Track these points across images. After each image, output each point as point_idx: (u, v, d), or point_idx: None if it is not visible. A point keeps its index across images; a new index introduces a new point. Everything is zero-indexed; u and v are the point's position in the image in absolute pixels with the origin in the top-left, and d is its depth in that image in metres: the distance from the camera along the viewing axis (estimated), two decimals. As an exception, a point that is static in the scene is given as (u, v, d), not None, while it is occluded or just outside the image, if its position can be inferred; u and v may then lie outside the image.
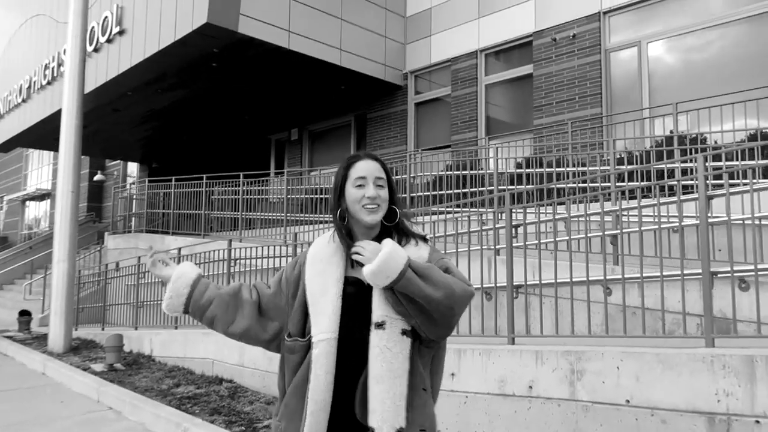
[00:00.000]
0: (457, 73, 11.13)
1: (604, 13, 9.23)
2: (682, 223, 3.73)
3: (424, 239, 1.81)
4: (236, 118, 14.44)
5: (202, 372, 6.93)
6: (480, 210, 6.53)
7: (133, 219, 14.24)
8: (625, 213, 4.77)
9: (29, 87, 15.06)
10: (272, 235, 10.26)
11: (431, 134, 11.65)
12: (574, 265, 4.35)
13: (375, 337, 1.62)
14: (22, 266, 18.46)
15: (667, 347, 3.41)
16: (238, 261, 7.73)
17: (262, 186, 11.48)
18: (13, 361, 8.99)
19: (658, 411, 3.25)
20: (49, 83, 13.93)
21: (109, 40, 11.46)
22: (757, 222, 4.45)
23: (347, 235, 1.77)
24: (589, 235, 4.32)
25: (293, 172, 12.41)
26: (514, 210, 4.74)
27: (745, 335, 3.61)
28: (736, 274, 3.57)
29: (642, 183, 4.28)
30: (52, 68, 13.73)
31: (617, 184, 6.46)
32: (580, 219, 5.17)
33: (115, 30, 11.21)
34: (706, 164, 3.48)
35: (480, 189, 8.24)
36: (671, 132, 7.61)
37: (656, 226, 4.41)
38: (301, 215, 10.18)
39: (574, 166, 7.68)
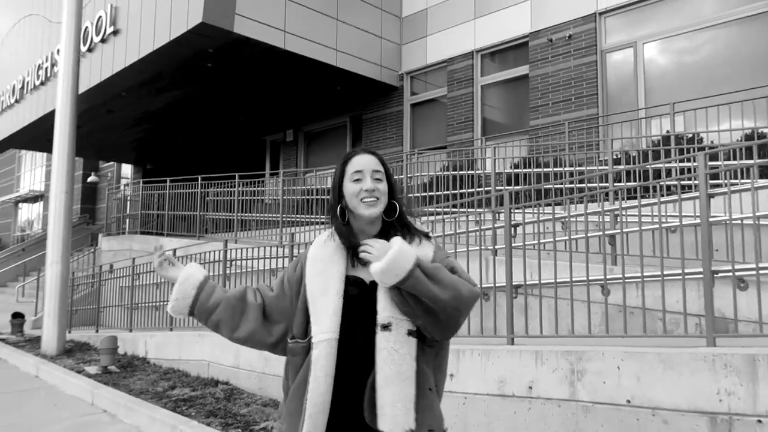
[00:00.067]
0: (453, 73, 11.12)
1: (600, 13, 9.25)
2: (682, 223, 3.71)
3: (426, 236, 1.78)
4: (231, 119, 14.38)
5: (198, 374, 6.86)
6: (477, 210, 6.50)
7: (128, 220, 14.14)
8: (623, 213, 4.74)
9: (22, 87, 14.95)
10: (268, 236, 10.20)
11: (427, 135, 11.64)
12: (572, 266, 4.33)
13: (382, 339, 1.59)
14: (14, 268, 18.32)
15: (667, 347, 3.39)
16: (233, 262, 7.67)
17: (258, 187, 11.42)
18: (6, 364, 8.89)
19: (659, 411, 3.23)
20: (42, 84, 13.83)
21: (103, 40, 11.38)
22: (756, 221, 4.45)
23: (348, 233, 1.74)
24: (588, 235, 4.30)
25: (289, 172, 12.36)
26: (512, 210, 4.72)
27: (746, 334, 3.60)
28: (735, 274, 3.55)
29: (642, 183, 4.26)
30: (46, 68, 13.64)
31: (616, 184, 6.45)
32: (579, 219, 5.15)
33: (110, 30, 11.14)
34: (706, 163, 3.46)
35: (477, 189, 8.22)
36: (668, 132, 7.63)
37: (655, 226, 4.41)
38: (297, 216, 10.14)
39: (571, 166, 7.67)
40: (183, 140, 16.62)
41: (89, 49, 11.75)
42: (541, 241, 4.82)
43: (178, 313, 1.81)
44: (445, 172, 8.90)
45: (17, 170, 28.27)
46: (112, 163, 21.50)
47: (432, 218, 6.13)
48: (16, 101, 15.28)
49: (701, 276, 3.63)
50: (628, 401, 3.35)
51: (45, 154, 23.28)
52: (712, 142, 7.36)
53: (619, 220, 4.05)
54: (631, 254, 4.43)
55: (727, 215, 4.30)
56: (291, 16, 9.98)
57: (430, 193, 8.76)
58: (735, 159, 6.03)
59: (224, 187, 11.54)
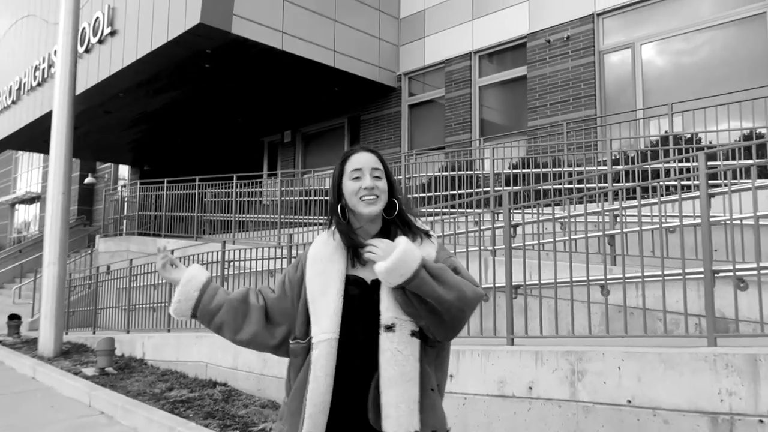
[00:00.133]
0: (451, 74, 11.11)
1: (598, 14, 9.26)
2: (683, 223, 3.71)
3: (427, 234, 1.76)
4: (229, 120, 14.35)
5: (196, 375, 6.84)
6: (476, 211, 6.49)
7: (125, 222, 14.10)
8: (623, 213, 4.74)
9: (19, 89, 14.91)
10: (266, 237, 10.18)
11: (425, 136, 11.63)
12: (572, 266, 4.32)
13: (385, 340, 1.57)
14: (11, 270, 18.25)
15: (668, 347, 3.38)
16: (231, 263, 7.64)
17: (256, 188, 11.40)
18: (3, 366, 8.85)
19: (660, 411, 3.22)
20: (39, 84, 13.79)
21: (100, 41, 11.35)
22: (751, 222, 4.45)
23: (349, 231, 1.72)
24: (588, 235, 4.30)
25: (287, 173, 12.34)
26: (511, 210, 4.71)
27: (748, 334, 3.59)
28: (736, 274, 3.55)
29: (641, 183, 4.25)
30: (43, 69, 13.59)
31: (615, 184, 6.45)
32: (579, 220, 5.14)
33: (107, 31, 11.11)
34: (707, 163, 3.46)
35: (476, 190, 8.22)
36: (666, 132, 7.63)
37: (655, 226, 4.40)
38: (295, 217, 10.12)
39: (570, 166, 7.67)
40: (180, 141, 16.58)
41: (86, 50, 11.72)
42: (540, 241, 4.80)
43: (181, 315, 1.79)
44: (444, 173, 8.89)
45: (14, 171, 28.20)
46: (109, 164, 21.46)
47: (431, 219, 6.12)
48: (13, 102, 15.23)
49: (702, 276, 3.63)
50: (629, 401, 3.34)
51: (42, 155, 23.23)
52: (710, 143, 7.37)
53: (618, 220, 4.03)
54: (630, 254, 4.42)
55: (726, 215, 4.31)
56: (289, 17, 9.97)
57: (429, 194, 8.75)
58: (733, 159, 6.04)
59: (222, 188, 11.51)
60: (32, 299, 13.23)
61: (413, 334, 1.59)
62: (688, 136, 7.31)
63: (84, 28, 11.63)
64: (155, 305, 8.82)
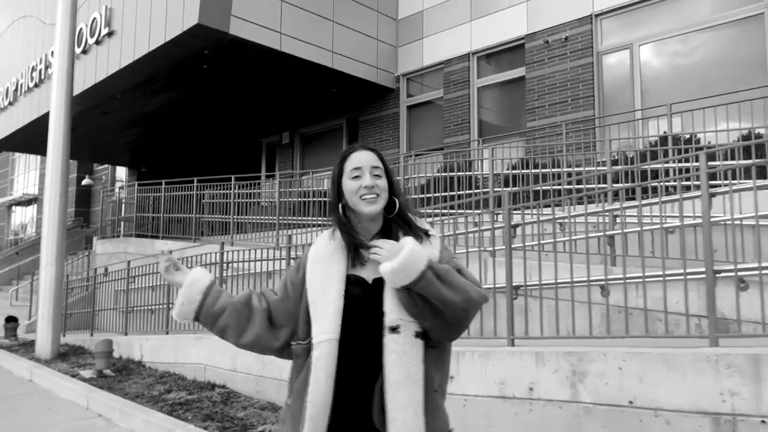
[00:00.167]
0: (449, 75, 11.11)
1: (596, 15, 9.26)
2: (684, 223, 3.70)
3: (426, 234, 1.74)
4: (227, 121, 14.33)
5: (194, 377, 6.80)
6: (475, 212, 6.48)
7: (122, 223, 14.06)
8: (623, 214, 4.73)
9: (16, 90, 14.86)
10: (264, 238, 10.15)
11: (423, 137, 11.62)
12: (572, 266, 4.31)
13: (390, 341, 1.56)
14: (8, 272, 18.20)
15: (669, 347, 3.37)
16: (230, 265, 7.61)
17: (254, 189, 11.37)
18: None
19: (662, 412, 3.21)
20: (36, 86, 13.75)
21: (97, 42, 11.32)
22: (750, 222, 4.44)
23: (351, 235, 1.70)
24: (588, 235, 4.28)
25: (285, 174, 12.32)
26: (511, 211, 4.70)
27: (750, 335, 3.58)
28: (737, 274, 3.54)
29: (641, 183, 4.24)
30: (40, 70, 13.55)
31: (616, 184, 6.45)
32: (578, 221, 5.13)
33: (104, 31, 11.08)
34: (707, 162, 3.45)
35: (475, 191, 8.20)
36: (665, 133, 7.63)
37: (656, 226, 4.39)
38: (293, 218, 10.09)
39: (569, 166, 7.66)
40: (178, 143, 16.55)
41: (84, 51, 11.68)
42: (541, 242, 4.79)
43: (184, 318, 1.77)
44: (443, 173, 8.88)
45: (11, 173, 28.12)
46: (106, 165, 21.41)
47: (430, 220, 6.10)
48: (10, 104, 15.18)
49: (701, 277, 3.63)
50: (631, 402, 3.33)
51: (39, 157, 23.17)
52: (709, 143, 7.37)
53: (618, 220, 4.03)
54: (630, 255, 4.41)
55: (725, 215, 4.30)
56: (287, 17, 9.96)
57: (428, 195, 8.73)
58: (731, 159, 6.03)
59: (220, 189, 11.48)
60: (29, 301, 13.17)
61: (417, 335, 1.58)
62: (687, 136, 7.31)
63: (81, 29, 11.59)
64: (153, 307, 8.78)
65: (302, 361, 1.66)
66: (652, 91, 8.72)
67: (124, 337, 8.88)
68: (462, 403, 4.06)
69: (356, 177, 1.69)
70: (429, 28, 11.48)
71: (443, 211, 6.97)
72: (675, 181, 5.61)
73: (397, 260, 1.52)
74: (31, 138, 15.05)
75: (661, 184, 4.00)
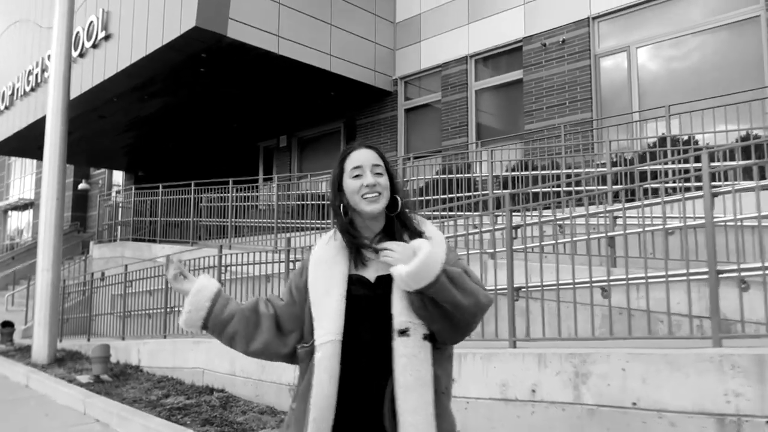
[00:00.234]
0: (447, 78, 11.11)
1: (593, 18, 9.28)
2: (686, 224, 3.69)
3: (420, 235, 1.71)
4: (224, 125, 14.30)
5: (192, 382, 6.76)
6: (475, 214, 6.46)
7: (119, 227, 13.99)
8: (624, 215, 4.71)
9: (12, 94, 14.81)
10: (262, 242, 10.11)
11: (421, 140, 11.61)
12: (574, 268, 4.29)
13: (400, 345, 1.54)
14: (4, 277, 18.09)
15: (672, 348, 3.35)
16: (228, 268, 7.57)
17: (252, 192, 11.33)
18: (-5, 374, 8.74)
19: (666, 413, 3.18)
20: (32, 90, 13.70)
21: (94, 45, 11.29)
22: (750, 223, 4.43)
23: (352, 232, 1.68)
24: (590, 236, 4.27)
25: (283, 177, 12.29)
26: (512, 212, 4.68)
27: (753, 335, 3.56)
28: (741, 274, 3.53)
29: (643, 183, 4.23)
30: (36, 74, 13.51)
31: (615, 186, 6.44)
32: (578, 223, 5.12)
33: (101, 35, 11.05)
34: (710, 163, 3.44)
35: (474, 193, 8.19)
36: (663, 134, 7.64)
37: (657, 227, 4.38)
38: (291, 221, 10.06)
39: (568, 168, 7.66)
40: (175, 147, 16.51)
41: (80, 55, 11.65)
42: (542, 243, 4.77)
43: (191, 326, 1.73)
44: (442, 176, 8.87)
45: (7, 178, 28.00)
46: (103, 170, 21.34)
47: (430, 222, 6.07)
48: (6, 108, 15.13)
49: (704, 277, 3.61)
50: (634, 404, 3.31)
51: (35, 161, 23.08)
52: (707, 144, 7.38)
53: (619, 222, 4.01)
54: (632, 256, 4.40)
55: (725, 216, 4.30)
56: (285, 20, 9.95)
57: (427, 198, 8.72)
58: (729, 160, 6.03)
59: (218, 193, 11.44)
60: (25, 306, 13.09)
61: (425, 337, 1.56)
62: (685, 138, 7.32)
63: (78, 32, 11.57)
64: (151, 311, 8.73)
65: (306, 364, 1.64)
66: (650, 93, 8.74)
67: (121, 341, 8.83)
68: (464, 405, 4.03)
69: (357, 176, 1.66)
70: (426, 31, 11.49)
71: (442, 213, 6.95)
72: (675, 182, 5.62)
73: (413, 264, 1.49)
74: (27, 142, 14.99)
75: (663, 185, 3.98)
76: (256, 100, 12.43)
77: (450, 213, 7.25)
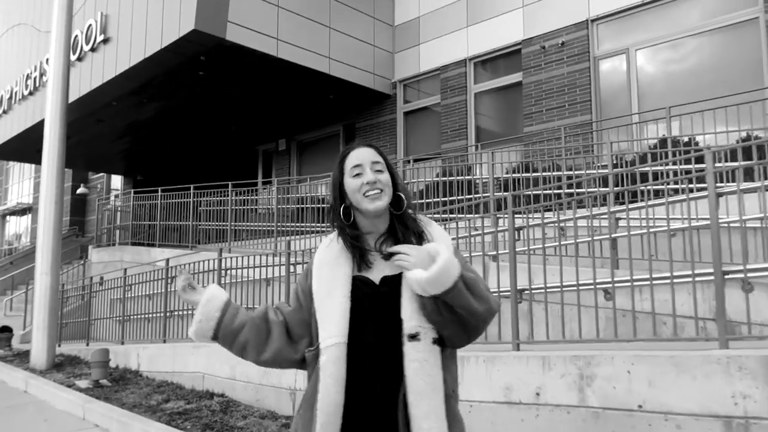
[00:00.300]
0: (446, 81, 11.11)
1: (592, 21, 9.29)
2: (691, 225, 3.66)
3: (421, 235, 1.68)
4: (223, 128, 14.27)
5: (192, 386, 6.71)
6: (476, 216, 6.44)
7: (118, 232, 13.95)
8: (624, 216, 4.70)
9: (10, 98, 14.78)
10: (261, 245, 10.08)
11: (421, 143, 11.60)
12: (577, 269, 4.27)
13: (411, 350, 1.51)
14: (2, 282, 17.99)
15: (677, 350, 3.33)
16: (228, 272, 7.54)
17: (251, 196, 11.30)
18: (-7, 379, 8.68)
19: (672, 416, 3.15)
20: (30, 93, 13.67)
21: (93, 49, 11.27)
22: (753, 224, 4.42)
23: (354, 231, 1.66)
24: (594, 238, 4.24)
25: (283, 181, 12.27)
26: (514, 213, 4.66)
27: (760, 336, 3.54)
28: (742, 275, 3.50)
29: (647, 184, 4.21)
30: (34, 78, 13.48)
31: (617, 187, 6.42)
32: (581, 225, 5.09)
33: (100, 38, 11.03)
34: (714, 163, 3.42)
35: (475, 196, 8.17)
36: (664, 135, 7.64)
37: (661, 229, 4.36)
38: (291, 225, 10.03)
39: (569, 170, 7.65)
40: (174, 151, 16.47)
41: (79, 58, 11.63)
42: (545, 245, 4.74)
43: (201, 337, 1.71)
44: (442, 178, 8.85)
45: (5, 182, 27.93)
46: (101, 174, 21.29)
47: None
48: (4, 112, 15.09)
49: (708, 279, 3.59)
50: (640, 406, 3.28)
51: (33, 166, 23.02)
52: (708, 146, 7.38)
53: (622, 223, 3.99)
54: (636, 258, 4.37)
55: (728, 217, 4.28)
56: (283, 23, 9.94)
57: (427, 200, 8.70)
58: (731, 161, 6.02)
59: (217, 197, 11.41)
60: (24, 311, 13.03)
61: (434, 341, 1.54)
62: (686, 139, 7.32)
63: (77, 36, 11.56)
64: (150, 315, 8.68)
65: (312, 368, 1.62)
66: (649, 95, 8.74)
67: (120, 346, 8.77)
68: (467, 409, 3.99)
69: (357, 175, 1.64)
70: (425, 34, 11.49)
71: (443, 216, 6.93)
72: (677, 183, 5.60)
73: (434, 270, 1.46)
74: (25, 146, 14.95)
75: (667, 186, 3.97)
76: (255, 104, 12.41)
77: (451, 215, 7.22)
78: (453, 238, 5.42)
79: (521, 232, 5.10)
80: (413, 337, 1.51)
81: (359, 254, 1.64)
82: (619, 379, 3.38)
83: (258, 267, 7.04)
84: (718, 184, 5.37)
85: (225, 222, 11.03)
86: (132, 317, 9.20)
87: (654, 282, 3.88)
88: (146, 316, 8.81)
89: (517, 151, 9.14)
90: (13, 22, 15.42)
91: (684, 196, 3.78)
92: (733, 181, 5.43)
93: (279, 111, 12.93)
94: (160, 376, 7.39)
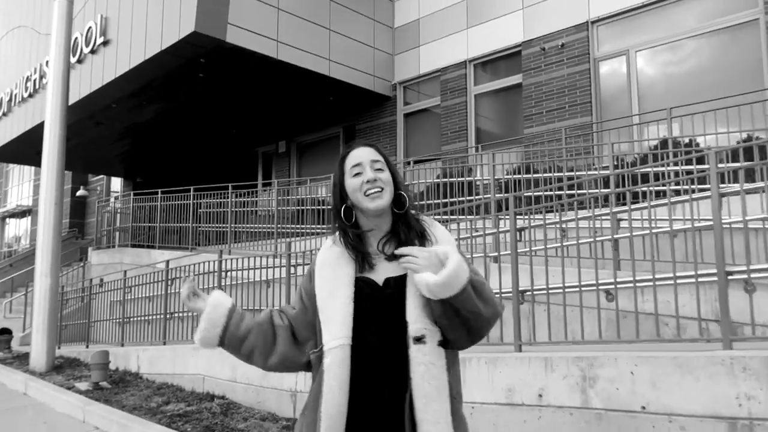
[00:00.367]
0: (446, 83, 11.11)
1: (592, 22, 9.28)
2: (694, 225, 3.65)
3: (423, 235, 1.66)
4: (223, 130, 14.27)
5: (193, 389, 6.69)
6: (478, 217, 6.43)
7: (118, 234, 13.93)
8: (626, 217, 4.69)
9: (10, 100, 14.77)
10: (261, 247, 10.06)
11: (421, 145, 11.60)
12: (574, 270, 4.26)
13: (417, 353, 1.50)
14: (1, 284, 17.96)
15: (681, 351, 3.31)
16: (228, 274, 7.52)
17: (251, 197, 11.29)
18: (-7, 382, 8.65)
19: (676, 417, 3.14)
20: (30, 96, 13.66)
21: (93, 51, 11.26)
22: (754, 225, 4.41)
23: (355, 231, 1.64)
24: (596, 239, 4.23)
25: (283, 182, 12.25)
26: (516, 215, 4.64)
27: (763, 337, 3.52)
28: (744, 276, 3.49)
29: (649, 185, 4.20)
30: (34, 80, 13.47)
31: (619, 188, 6.42)
32: (582, 226, 5.09)
33: (100, 40, 11.03)
34: (717, 163, 3.41)
35: (476, 197, 8.16)
36: (664, 137, 7.63)
37: (664, 230, 4.35)
38: (291, 227, 10.02)
39: (570, 171, 7.64)
40: (173, 153, 16.46)
41: (79, 60, 11.62)
42: (546, 247, 4.73)
43: (208, 344, 1.69)
44: (443, 179, 8.84)
45: (5, 185, 27.90)
46: (101, 176, 21.28)
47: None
48: (4, 114, 15.08)
49: (711, 279, 3.58)
50: (643, 408, 3.26)
51: (33, 168, 23.00)
52: (708, 147, 7.37)
53: (625, 224, 3.98)
54: (638, 259, 4.36)
55: (730, 218, 4.27)
56: (283, 25, 9.94)
57: (428, 202, 8.69)
58: (732, 162, 6.02)
59: (217, 198, 11.40)
60: (23, 313, 13.00)
61: (439, 343, 1.53)
62: (687, 140, 7.31)
63: (76, 38, 11.55)
64: (150, 317, 8.66)
65: (316, 370, 1.60)
66: (649, 96, 8.73)
67: (120, 348, 8.75)
68: (468, 411, 3.97)
69: (357, 174, 1.63)
70: (425, 36, 11.49)
71: (443, 217, 6.92)
72: (679, 184, 5.59)
73: (444, 274, 1.44)
74: (25, 149, 14.94)
75: (669, 187, 3.96)
76: (255, 106, 12.40)
77: (452, 217, 7.21)
78: (454, 239, 5.42)
79: (523, 233, 5.09)
80: (419, 339, 1.50)
81: (363, 257, 1.62)
82: (623, 381, 3.36)
83: (258, 269, 7.02)
84: (721, 185, 5.37)
85: (225, 224, 11.02)
86: (132, 319, 9.18)
87: (656, 283, 3.86)
88: (146, 318, 8.79)
89: (517, 153, 9.14)
90: (13, 24, 15.42)
91: (687, 197, 3.76)
92: (735, 182, 5.43)
93: (279, 113, 12.92)
94: (160, 378, 7.36)
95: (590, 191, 6.46)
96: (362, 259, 1.62)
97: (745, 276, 3.37)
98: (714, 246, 3.33)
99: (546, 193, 6.87)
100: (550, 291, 4.30)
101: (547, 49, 9.67)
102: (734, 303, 3.84)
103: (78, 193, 21.45)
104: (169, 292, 8.12)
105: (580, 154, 8.45)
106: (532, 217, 5.70)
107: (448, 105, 11.03)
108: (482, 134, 10.73)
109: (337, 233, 1.69)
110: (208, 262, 7.68)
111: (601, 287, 4.11)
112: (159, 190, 12.66)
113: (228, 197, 11.01)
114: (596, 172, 7.39)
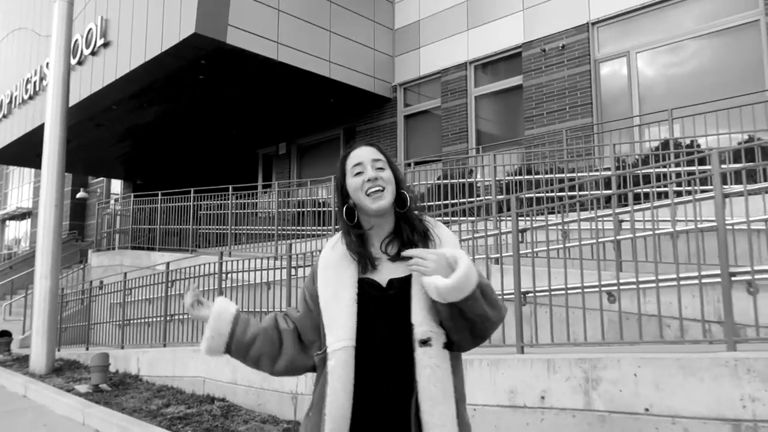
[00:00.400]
0: (446, 85, 11.10)
1: (593, 24, 9.28)
2: (697, 226, 3.64)
3: (426, 235, 1.65)
4: (223, 132, 14.26)
5: (193, 391, 6.67)
6: (480, 218, 6.41)
7: (118, 236, 13.91)
8: (628, 219, 4.67)
9: (10, 102, 14.76)
10: (261, 248, 10.05)
11: (421, 146, 11.59)
12: (576, 272, 4.24)
13: (424, 355, 1.49)
14: (1, 286, 17.93)
15: (684, 353, 3.29)
16: (228, 276, 7.50)
17: (252, 199, 11.28)
18: (-7, 384, 8.63)
19: (679, 419, 3.12)
20: (30, 98, 13.66)
21: (93, 53, 11.26)
22: (757, 226, 4.40)
23: (357, 231, 1.63)
24: (598, 240, 4.21)
25: (283, 184, 12.24)
26: (518, 216, 4.63)
27: (764, 338, 3.50)
28: (747, 277, 3.47)
29: (651, 185, 4.19)
30: (34, 82, 13.47)
31: (620, 189, 6.40)
32: (584, 227, 5.07)
33: (100, 42, 11.03)
34: (720, 163, 3.40)
35: (477, 199, 8.14)
36: (666, 138, 7.62)
37: (666, 231, 4.33)
38: (292, 228, 10.00)
39: (572, 172, 7.63)
40: (174, 155, 16.45)
41: (79, 62, 11.62)
42: (548, 248, 4.72)
43: (214, 353, 1.67)
44: (444, 180, 8.83)
45: (5, 187, 27.89)
46: (101, 179, 21.27)
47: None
48: (4, 116, 15.08)
49: (716, 280, 3.56)
50: (647, 410, 3.24)
51: (33, 170, 22.99)
52: (710, 148, 7.36)
53: (626, 225, 3.97)
54: (641, 260, 4.34)
55: (733, 219, 4.25)
56: (284, 27, 9.93)
57: (429, 203, 8.68)
58: (734, 163, 6.01)
59: (218, 200, 11.38)
60: (23, 316, 12.97)
61: (444, 345, 1.52)
62: (688, 141, 7.30)
63: (77, 40, 11.54)
64: (150, 319, 8.64)
65: (320, 372, 1.59)
66: (650, 98, 8.72)
67: (120, 350, 8.73)
68: (471, 413, 3.94)
69: (359, 173, 1.61)
70: (426, 38, 11.49)
71: (445, 219, 6.90)
72: (681, 185, 5.58)
73: (455, 278, 1.43)
74: (25, 150, 14.93)
75: (671, 189, 3.94)
76: (255, 107, 12.40)
77: (453, 218, 7.20)
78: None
79: (525, 234, 5.07)
80: (425, 342, 1.49)
81: (366, 258, 1.61)
82: (626, 382, 3.35)
83: (259, 270, 7.00)
84: (723, 186, 5.36)
85: (225, 226, 11.00)
86: (132, 321, 9.16)
87: (659, 284, 3.85)
88: (146, 320, 8.77)
89: (518, 154, 9.12)
90: (14, 26, 15.43)
91: (689, 198, 3.74)
92: (736, 183, 5.42)
93: (279, 114, 12.92)
94: (160, 380, 7.34)
95: (592, 192, 6.44)
96: (365, 259, 1.61)
97: (748, 277, 3.35)
98: (717, 247, 3.31)
99: (548, 194, 6.86)
100: (552, 292, 4.28)
101: (547, 51, 9.67)
102: (737, 304, 3.83)
103: (78, 195, 21.44)
104: (169, 294, 8.11)
105: (581, 155, 8.44)
106: (533, 218, 5.68)
107: (448, 106, 11.02)
108: (483, 136, 10.72)
109: (339, 234, 1.68)
110: (209, 264, 7.66)
111: (603, 289, 4.09)
112: (159, 192, 12.64)
113: (228, 199, 11.00)
114: (598, 173, 7.37)
